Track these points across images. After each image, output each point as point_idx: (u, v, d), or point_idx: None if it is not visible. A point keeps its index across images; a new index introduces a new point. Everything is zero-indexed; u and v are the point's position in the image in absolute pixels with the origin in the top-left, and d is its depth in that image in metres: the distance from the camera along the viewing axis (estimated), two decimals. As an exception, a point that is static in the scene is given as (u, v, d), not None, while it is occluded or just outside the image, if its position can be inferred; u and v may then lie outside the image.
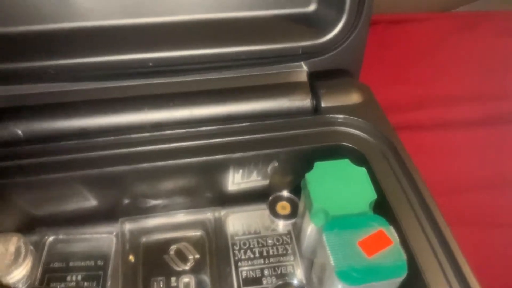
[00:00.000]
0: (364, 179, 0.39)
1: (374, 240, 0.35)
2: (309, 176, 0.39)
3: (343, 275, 0.33)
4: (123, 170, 0.41)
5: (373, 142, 0.43)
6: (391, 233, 0.35)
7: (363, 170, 0.39)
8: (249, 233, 0.44)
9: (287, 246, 0.44)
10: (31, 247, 0.43)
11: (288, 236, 0.44)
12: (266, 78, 0.46)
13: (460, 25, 0.64)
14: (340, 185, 0.38)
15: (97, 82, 0.43)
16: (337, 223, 0.36)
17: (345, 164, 0.40)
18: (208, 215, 0.46)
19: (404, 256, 0.34)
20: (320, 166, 0.39)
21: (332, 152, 0.42)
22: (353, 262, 0.33)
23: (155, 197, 0.45)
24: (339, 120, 0.44)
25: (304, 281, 0.41)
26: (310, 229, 0.41)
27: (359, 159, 0.41)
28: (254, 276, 0.41)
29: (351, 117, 0.44)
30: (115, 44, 0.43)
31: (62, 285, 0.40)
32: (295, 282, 0.41)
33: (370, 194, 0.38)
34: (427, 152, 0.51)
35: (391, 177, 0.40)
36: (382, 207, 0.38)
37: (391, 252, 0.34)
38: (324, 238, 0.35)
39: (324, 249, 0.35)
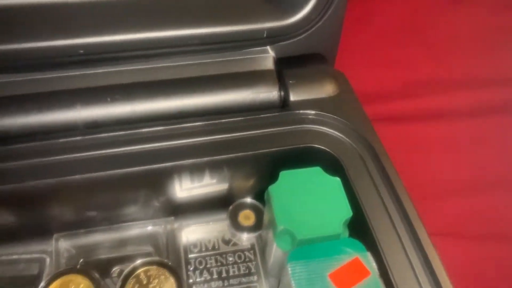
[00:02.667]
0: (338, 192, 0.33)
1: (348, 271, 0.29)
2: (273, 189, 0.32)
3: (311, 318, 0.27)
4: (49, 183, 0.34)
5: (349, 143, 0.36)
6: (368, 261, 0.29)
7: (337, 181, 0.33)
8: (206, 250, 0.38)
9: (250, 264, 0.38)
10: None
11: (251, 251, 0.38)
12: (225, 66, 0.39)
13: (451, -2, 0.57)
14: (309, 199, 0.32)
15: (14, 74, 0.36)
16: (304, 251, 0.30)
17: (316, 173, 0.34)
18: (158, 228, 0.39)
19: (383, 291, 0.28)
20: (286, 176, 0.33)
21: (302, 155, 0.36)
22: (323, 301, 0.28)
23: (94, 209, 0.38)
24: (310, 117, 0.37)
25: (269, 307, 0.35)
26: (274, 249, 0.35)
27: (333, 164, 0.35)
28: (211, 302, 0.36)
29: (324, 113, 0.37)
30: (35, 27, 0.35)
31: (-17, 318, 0.34)
32: (258, 310, 0.35)
33: (345, 211, 0.32)
34: (412, 147, 0.45)
35: (370, 189, 0.34)
36: (359, 227, 0.32)
37: (368, 286, 0.28)
38: (289, 270, 0.29)
39: (289, 282, 0.29)
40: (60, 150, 0.34)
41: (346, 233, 0.33)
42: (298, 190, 0.32)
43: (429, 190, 0.42)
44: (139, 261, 0.35)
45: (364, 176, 0.34)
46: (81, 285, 0.35)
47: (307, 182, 0.33)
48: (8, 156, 0.34)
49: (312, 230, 0.31)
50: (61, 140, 0.35)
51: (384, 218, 0.32)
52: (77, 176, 0.34)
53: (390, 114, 0.47)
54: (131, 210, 0.39)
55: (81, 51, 0.35)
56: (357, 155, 0.36)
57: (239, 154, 0.36)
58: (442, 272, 0.29)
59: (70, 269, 0.36)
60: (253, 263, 0.38)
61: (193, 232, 0.39)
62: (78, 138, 0.35)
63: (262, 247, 0.38)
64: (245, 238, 0.39)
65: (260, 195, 0.40)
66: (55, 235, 0.38)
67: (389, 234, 0.31)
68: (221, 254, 0.38)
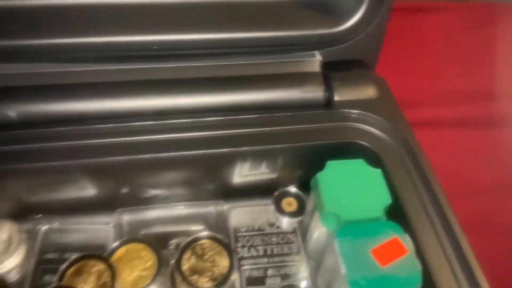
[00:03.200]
0: (379, 182, 0.37)
1: (388, 248, 0.33)
2: (321, 177, 0.37)
3: (356, 285, 0.31)
4: (122, 160, 0.38)
5: (389, 141, 0.40)
6: (406, 241, 0.33)
7: (378, 172, 0.37)
8: (253, 230, 0.43)
9: (292, 245, 0.42)
10: (24, 236, 0.41)
11: (294, 234, 0.42)
12: (277, 67, 0.44)
13: (478, 17, 0.61)
14: (353, 187, 0.36)
15: (97, 64, 0.41)
16: (349, 229, 0.34)
17: (359, 165, 0.38)
18: (210, 208, 0.44)
19: (419, 267, 0.32)
20: (333, 166, 0.37)
21: (345, 150, 0.40)
22: (365, 272, 0.32)
23: (156, 188, 0.42)
24: (353, 115, 0.42)
25: (309, 283, 0.39)
26: (318, 231, 0.39)
27: (373, 159, 0.39)
28: (258, 275, 0.40)
29: (366, 113, 0.42)
30: (118, 24, 0.40)
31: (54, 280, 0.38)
32: (300, 285, 0.39)
33: (385, 198, 0.36)
34: (441, 150, 0.49)
35: (407, 180, 0.38)
36: (396, 213, 0.36)
37: (406, 262, 0.32)
38: (336, 245, 0.33)
39: (336, 256, 0.33)
40: (133, 133, 0.39)
41: (385, 219, 0.36)
42: (343, 178, 0.37)
43: (455, 189, 0.45)
44: (195, 235, 0.40)
45: (401, 170, 0.38)
46: (143, 253, 0.40)
47: (351, 172, 0.37)
48: (87, 135, 0.39)
49: (355, 213, 0.35)
50: (134, 124, 0.39)
51: (418, 206, 0.36)
52: (147, 155, 0.38)
53: (422, 119, 0.51)
54: (188, 191, 0.43)
55: (155, 47, 0.40)
56: (395, 152, 0.40)
57: (288, 145, 0.40)
58: (470, 253, 0.33)
59: (133, 239, 0.40)
60: (295, 244, 0.42)
61: (241, 214, 0.43)
62: (149, 123, 0.40)
63: (303, 232, 0.42)
64: (288, 222, 0.43)
65: (303, 185, 0.44)
66: (118, 210, 0.43)
67: (423, 219, 0.35)
68: (266, 235, 0.42)
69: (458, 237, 0.34)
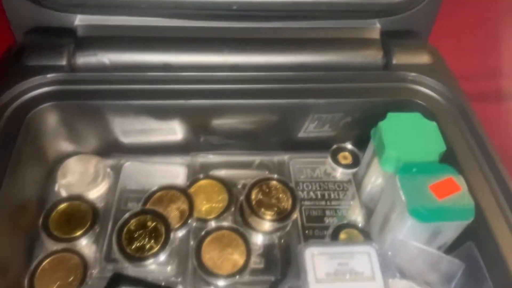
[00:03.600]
0: (435, 132, 0.41)
1: (445, 185, 0.37)
2: (383, 124, 0.41)
3: (415, 213, 0.35)
4: (203, 104, 0.43)
5: (443, 101, 0.44)
6: (460, 181, 0.37)
7: (434, 124, 0.41)
8: (311, 177, 0.47)
9: (347, 192, 0.46)
10: (109, 170, 0.46)
11: (349, 183, 0.47)
12: (341, 32, 0.48)
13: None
14: (411, 135, 0.40)
15: (183, 21, 0.46)
16: (409, 168, 0.38)
17: (417, 117, 0.42)
18: (273, 157, 0.48)
19: (472, 202, 0.36)
20: (393, 116, 0.41)
21: (402, 107, 0.44)
22: (424, 202, 0.36)
23: (226, 136, 0.47)
24: (410, 77, 0.46)
25: (363, 225, 0.43)
26: (375, 178, 0.43)
27: (429, 116, 0.43)
28: (316, 215, 0.44)
29: (422, 75, 0.46)
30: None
31: (138, 206, 0.43)
32: (355, 224, 0.43)
33: (440, 146, 0.40)
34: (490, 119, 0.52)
35: (458, 133, 0.42)
36: (449, 161, 0.40)
37: (460, 197, 0.36)
38: (398, 180, 0.37)
39: (395, 194, 0.37)
40: (212, 81, 0.44)
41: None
42: (402, 127, 0.41)
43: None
44: (263, 176, 0.44)
45: (454, 125, 0.42)
46: (216, 188, 0.45)
47: (409, 123, 0.41)
48: (174, 81, 0.44)
49: (413, 156, 0.39)
50: (213, 73, 0.44)
51: (468, 153, 0.40)
52: (226, 101, 0.43)
53: (471, 92, 0.54)
54: (254, 142, 0.48)
55: (234, 7, 0.45)
56: (448, 110, 0.44)
57: (351, 99, 0.44)
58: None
59: (208, 176, 0.45)
60: (350, 192, 0.46)
61: (301, 164, 0.48)
62: (227, 73, 0.44)
63: (357, 183, 0.46)
64: (343, 173, 0.47)
65: (356, 143, 0.48)
66: (191, 153, 0.48)
67: (473, 165, 0.39)
68: (323, 182, 0.46)
69: (506, 180, 0.38)
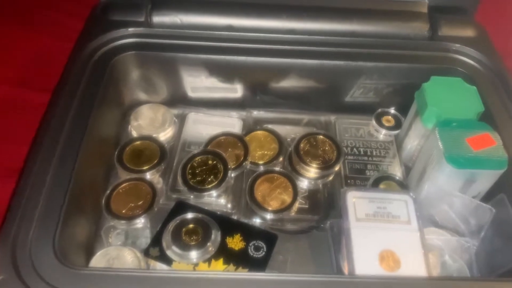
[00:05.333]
0: (474, 95, 0.44)
1: (481, 139, 0.40)
2: (426, 85, 0.44)
3: (452, 159, 0.39)
4: (261, 61, 0.48)
5: (483, 70, 0.48)
6: (495, 137, 0.40)
7: (473, 88, 0.45)
8: (355, 136, 0.51)
9: (388, 151, 0.50)
10: (175, 118, 0.52)
11: (390, 143, 0.50)
12: (391, 5, 0.52)
13: None
14: (452, 96, 0.44)
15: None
16: (448, 122, 0.41)
17: (458, 82, 0.45)
18: (320, 117, 0.53)
19: (506, 154, 0.39)
20: (436, 80, 0.45)
21: (445, 75, 0.47)
22: (460, 151, 0.39)
23: (279, 95, 0.52)
24: (453, 48, 0.49)
25: (401, 179, 0.47)
26: (416, 136, 0.47)
27: (470, 83, 0.46)
28: (358, 168, 0.48)
29: (465, 47, 0.49)
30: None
31: (198, 149, 0.48)
32: (394, 176, 0.47)
33: (479, 106, 0.43)
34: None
35: (497, 97, 0.45)
36: (487, 121, 0.43)
37: (495, 150, 0.40)
38: (437, 132, 0.41)
39: (436, 142, 0.40)
40: (271, 42, 0.49)
41: (477, 123, 0.44)
42: (444, 89, 0.44)
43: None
44: (311, 130, 0.49)
45: (493, 92, 0.46)
46: (268, 138, 0.50)
47: (451, 86, 0.45)
48: (236, 40, 0.49)
49: (453, 113, 0.42)
50: (271, 35, 0.49)
51: (506, 116, 0.43)
52: (283, 59, 0.48)
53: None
54: (304, 102, 0.52)
55: (295, -23, 0.50)
56: (488, 79, 0.47)
57: (398, 64, 0.48)
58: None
59: (262, 127, 0.51)
60: (391, 151, 0.50)
61: (346, 124, 0.52)
62: (283, 35, 0.49)
63: (399, 143, 0.50)
64: (385, 135, 0.51)
65: (400, 109, 0.52)
66: (247, 108, 0.53)
67: (509, 126, 0.42)
68: (366, 141, 0.51)
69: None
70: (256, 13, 0.50)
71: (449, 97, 0.44)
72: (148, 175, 0.46)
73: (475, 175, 0.40)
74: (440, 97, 0.43)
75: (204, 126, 0.51)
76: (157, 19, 0.50)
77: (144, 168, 0.46)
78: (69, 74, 0.44)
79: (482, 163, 0.39)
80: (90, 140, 0.42)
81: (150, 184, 0.45)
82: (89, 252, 0.41)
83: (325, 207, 0.45)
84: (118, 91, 0.49)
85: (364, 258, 0.39)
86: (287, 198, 0.45)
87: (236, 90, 0.51)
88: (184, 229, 0.41)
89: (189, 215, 0.42)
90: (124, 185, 0.45)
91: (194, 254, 0.40)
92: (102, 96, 0.44)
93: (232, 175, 0.46)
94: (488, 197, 0.42)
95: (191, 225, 0.41)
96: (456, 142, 0.40)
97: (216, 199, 0.45)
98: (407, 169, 0.48)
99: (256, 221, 0.44)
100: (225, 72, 0.50)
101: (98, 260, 0.40)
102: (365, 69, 0.48)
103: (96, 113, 0.43)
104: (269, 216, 0.44)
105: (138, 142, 0.48)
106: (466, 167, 0.39)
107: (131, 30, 0.48)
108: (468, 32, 0.51)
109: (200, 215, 0.42)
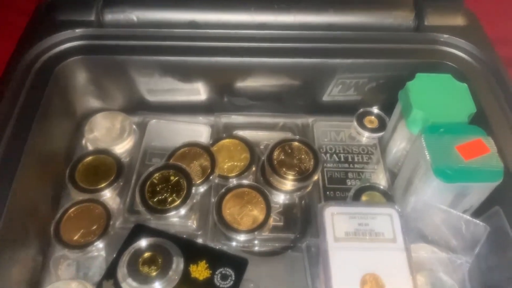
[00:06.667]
0: (465, 94, 0.39)
1: (472, 147, 0.35)
2: (411, 84, 0.40)
3: (440, 172, 0.34)
4: (228, 61, 0.43)
5: (475, 64, 0.43)
6: (489, 142, 0.36)
7: (464, 86, 0.40)
8: (335, 140, 0.46)
9: (372, 156, 0.45)
10: (134, 127, 0.47)
11: (374, 147, 0.46)
12: (372, -7, 0.47)
13: None
14: (440, 96, 0.39)
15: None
16: (436, 128, 0.37)
17: (447, 79, 0.40)
18: (297, 120, 0.48)
19: (501, 164, 0.35)
20: (422, 77, 0.40)
21: (432, 70, 0.42)
22: (450, 162, 0.35)
23: (250, 97, 0.47)
24: (442, 39, 0.44)
25: (386, 188, 0.42)
26: (401, 140, 0.42)
27: (460, 79, 0.41)
28: (339, 177, 0.43)
29: (454, 37, 0.44)
30: None
31: (161, 161, 0.44)
32: (377, 186, 0.42)
33: (470, 107, 0.38)
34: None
35: (491, 96, 0.40)
36: (479, 124, 0.38)
37: (489, 158, 0.35)
38: (423, 140, 0.36)
39: (422, 150, 0.36)
40: (238, 39, 0.44)
41: (468, 126, 0.39)
42: (431, 88, 0.39)
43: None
44: (286, 137, 0.44)
45: (486, 88, 0.41)
46: (239, 147, 0.45)
47: (439, 84, 0.40)
48: (201, 38, 0.44)
49: (441, 116, 0.37)
50: (239, 31, 0.44)
51: (500, 117, 0.39)
52: (252, 59, 0.43)
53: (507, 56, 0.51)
54: (278, 104, 0.47)
55: (262, -36, 0.44)
56: (481, 74, 0.42)
57: (379, 60, 0.43)
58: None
59: (231, 135, 0.46)
60: (374, 156, 0.45)
61: (325, 127, 0.47)
62: (253, 31, 0.44)
63: (383, 147, 0.45)
64: (368, 137, 0.46)
65: (383, 108, 0.47)
66: (216, 113, 0.48)
67: (504, 128, 0.38)
68: (347, 145, 0.46)
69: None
70: (221, 6, 0.45)
71: (436, 97, 0.39)
72: (103, 195, 0.41)
73: (467, 188, 0.35)
74: (426, 98, 0.39)
75: (168, 134, 0.46)
76: (109, 17, 0.44)
77: (99, 186, 0.41)
78: (7, 85, 0.39)
79: (474, 175, 0.34)
80: (32, 156, 0.37)
81: (105, 206, 0.40)
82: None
83: (302, 224, 0.41)
84: (66, 100, 0.44)
85: (344, 283, 0.35)
86: (259, 215, 0.40)
87: (202, 93, 0.46)
88: (140, 259, 0.36)
89: (146, 241, 0.37)
90: (75, 207, 0.40)
91: (154, 287, 0.35)
92: (46, 106, 0.39)
93: (199, 190, 0.42)
94: (481, 209, 0.37)
95: (148, 253, 0.36)
96: (445, 150, 0.35)
97: (179, 220, 0.40)
98: (393, 176, 0.44)
99: (225, 243, 0.39)
100: (188, 75, 0.45)
101: (45, 298, 0.35)
102: (344, 66, 0.43)
103: (40, 125, 0.38)
104: (240, 237, 0.39)
105: (92, 157, 0.43)
106: (456, 181, 0.34)
107: (79, 31, 0.43)
108: (458, 21, 0.45)
109: (158, 241, 0.37)
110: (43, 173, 0.39)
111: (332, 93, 0.46)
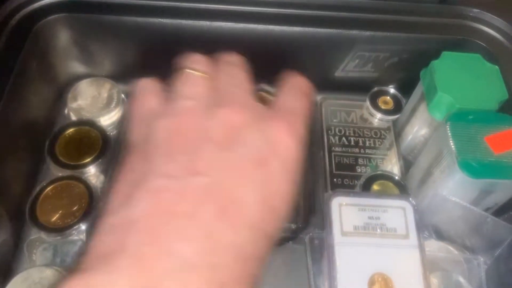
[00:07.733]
0: (496, 77, 0.35)
1: (503, 138, 0.31)
2: (436, 64, 0.35)
3: (466, 166, 0.30)
4: (231, 27, 0.38)
5: (508, 45, 0.38)
6: (523, 134, 0.32)
7: (495, 68, 0.35)
8: (346, 122, 0.42)
9: (385, 140, 0.41)
10: (123, 96, 0.42)
11: (387, 131, 0.42)
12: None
13: None
14: (468, 78, 0.34)
15: None
16: (463, 115, 0.32)
17: (476, 59, 0.36)
18: (303, 97, 0.43)
19: (536, 160, 0.31)
20: (449, 56, 0.36)
21: (459, 48, 0.38)
22: (477, 155, 0.31)
23: (251, 67, 0.42)
24: (471, 14, 0.39)
25: (400, 177, 0.39)
26: (420, 125, 0.38)
27: (490, 59, 0.37)
28: (347, 163, 0.39)
29: (485, 12, 0.39)
30: None
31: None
32: (390, 175, 0.38)
33: (501, 93, 0.34)
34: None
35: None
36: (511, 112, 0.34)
37: (522, 154, 0.31)
38: (448, 128, 0.32)
39: (446, 139, 0.32)
40: (244, 3, 0.39)
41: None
42: (458, 69, 0.35)
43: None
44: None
45: (518, 71, 0.36)
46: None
47: (467, 65, 0.35)
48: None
49: (469, 102, 0.33)
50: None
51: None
52: (258, 26, 0.38)
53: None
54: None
55: None
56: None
57: (400, 34, 0.39)
58: None
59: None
60: (388, 141, 0.41)
61: (335, 106, 0.43)
62: None
63: (398, 130, 0.41)
64: (382, 119, 0.42)
65: (401, 88, 0.43)
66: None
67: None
68: (358, 128, 0.42)
69: None
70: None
71: (464, 80, 0.34)
72: (86, 172, 0.37)
73: (495, 185, 0.31)
74: (453, 80, 0.34)
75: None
76: (98, -30, 0.39)
77: (82, 162, 0.37)
78: (-23, 44, 0.34)
79: (504, 171, 0.30)
80: (4, 126, 0.33)
81: (87, 184, 0.36)
82: (7, 273, 0.33)
83: (305, 212, 0.37)
84: (47, 64, 0.39)
85: (350, 282, 0.32)
86: (258, 202, 0.36)
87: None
88: (125, 247, 0.32)
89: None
90: (54, 185, 0.36)
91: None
92: (22, 70, 0.35)
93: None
94: (506, 207, 0.34)
95: (134, 241, 0.33)
96: (472, 141, 0.31)
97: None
98: (407, 164, 0.40)
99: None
100: (183, 39, 0.39)
101: (17, 286, 0.32)
102: (364, 38, 0.39)
103: (14, 92, 0.34)
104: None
105: (74, 129, 0.39)
106: (484, 176, 0.30)
107: (62, -16, 0.38)
108: (489, -7, 0.41)
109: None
110: (17, 145, 0.35)
111: (347, 67, 0.42)
